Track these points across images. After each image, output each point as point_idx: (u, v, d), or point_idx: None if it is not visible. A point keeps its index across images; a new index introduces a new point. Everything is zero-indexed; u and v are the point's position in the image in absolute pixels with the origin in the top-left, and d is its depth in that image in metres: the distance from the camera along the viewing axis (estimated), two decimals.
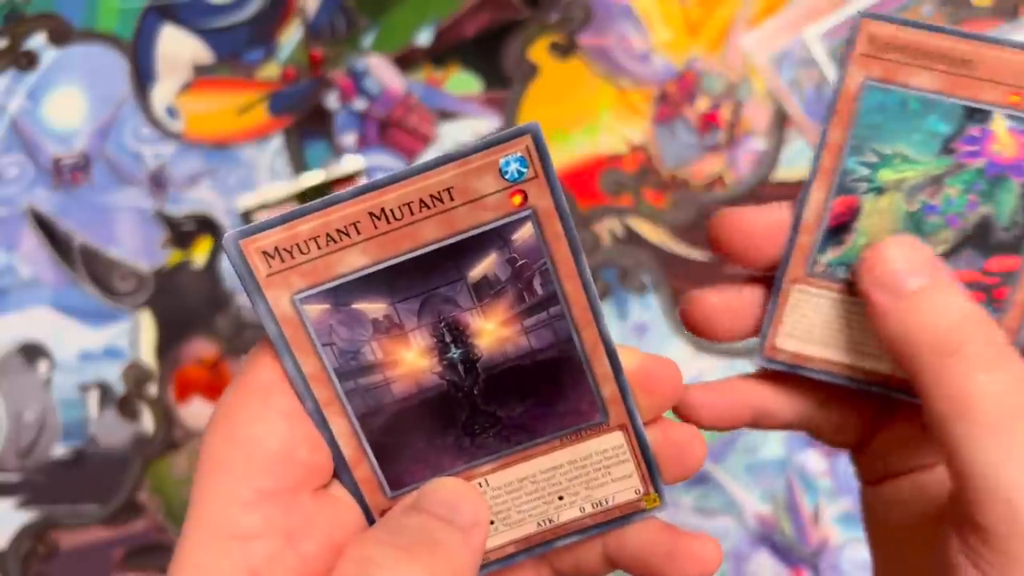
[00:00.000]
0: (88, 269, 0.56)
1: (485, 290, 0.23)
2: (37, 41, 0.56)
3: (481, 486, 0.25)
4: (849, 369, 0.28)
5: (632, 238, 0.56)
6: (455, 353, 0.23)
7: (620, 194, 0.56)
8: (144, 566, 0.55)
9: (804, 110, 0.57)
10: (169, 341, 0.55)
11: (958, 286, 0.25)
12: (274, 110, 0.57)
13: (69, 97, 0.56)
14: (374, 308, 0.23)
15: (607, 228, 0.56)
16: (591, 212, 0.56)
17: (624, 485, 0.25)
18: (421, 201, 0.22)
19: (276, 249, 0.22)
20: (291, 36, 0.57)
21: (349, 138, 0.57)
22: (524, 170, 0.22)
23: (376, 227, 0.22)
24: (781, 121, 0.57)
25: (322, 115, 0.57)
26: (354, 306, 0.23)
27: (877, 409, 0.29)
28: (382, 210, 0.22)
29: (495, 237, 0.22)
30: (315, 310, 0.22)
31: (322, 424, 0.23)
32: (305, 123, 0.57)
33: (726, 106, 0.57)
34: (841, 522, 0.54)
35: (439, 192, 0.22)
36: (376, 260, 0.22)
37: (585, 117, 0.57)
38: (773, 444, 0.55)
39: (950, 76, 0.26)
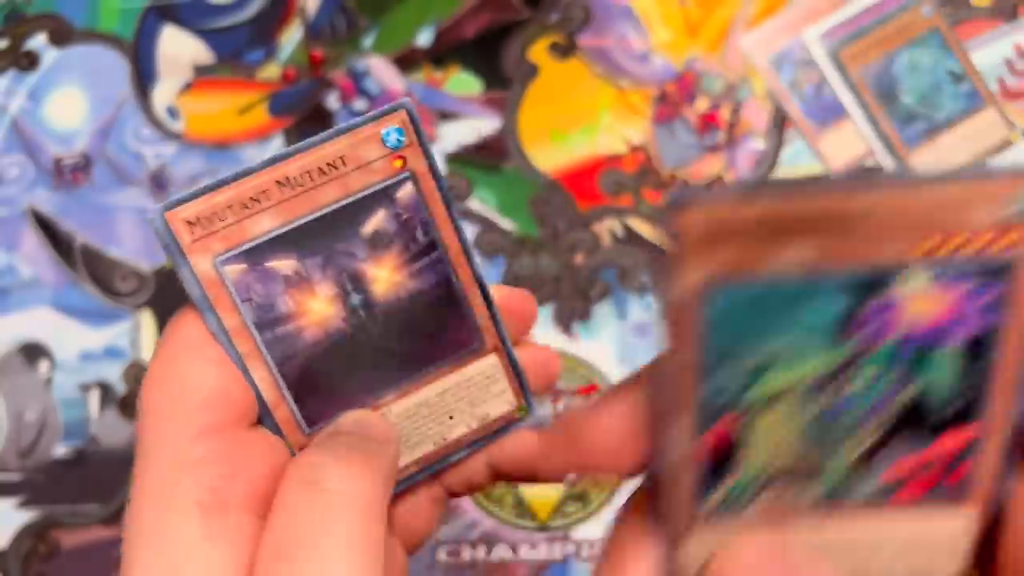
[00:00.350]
0: (89, 269, 0.56)
1: (377, 243, 0.27)
2: (38, 41, 0.57)
3: (385, 416, 0.28)
4: None
5: (632, 238, 0.56)
6: (355, 300, 0.27)
7: (620, 194, 0.56)
8: None
9: (803, 110, 0.57)
10: None
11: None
12: (274, 110, 0.57)
13: (70, 97, 0.56)
14: (284, 265, 0.26)
15: (607, 228, 0.56)
16: (591, 212, 0.56)
17: (501, 400, 0.29)
18: (319, 169, 0.25)
19: (197, 218, 0.25)
20: (291, 36, 0.57)
21: None
22: (402, 139, 0.26)
23: (282, 194, 0.25)
24: (780, 121, 0.57)
25: (322, 115, 0.57)
26: (267, 265, 0.26)
27: None
28: (287, 178, 0.25)
29: (382, 197, 0.26)
30: (234, 270, 0.25)
31: (245, 373, 0.26)
32: (305, 123, 0.57)
33: (726, 106, 0.57)
34: None
35: (334, 160, 0.25)
36: (284, 222, 0.25)
37: (585, 117, 0.57)
38: None
39: (827, 242, 0.19)
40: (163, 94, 0.57)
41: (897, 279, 0.20)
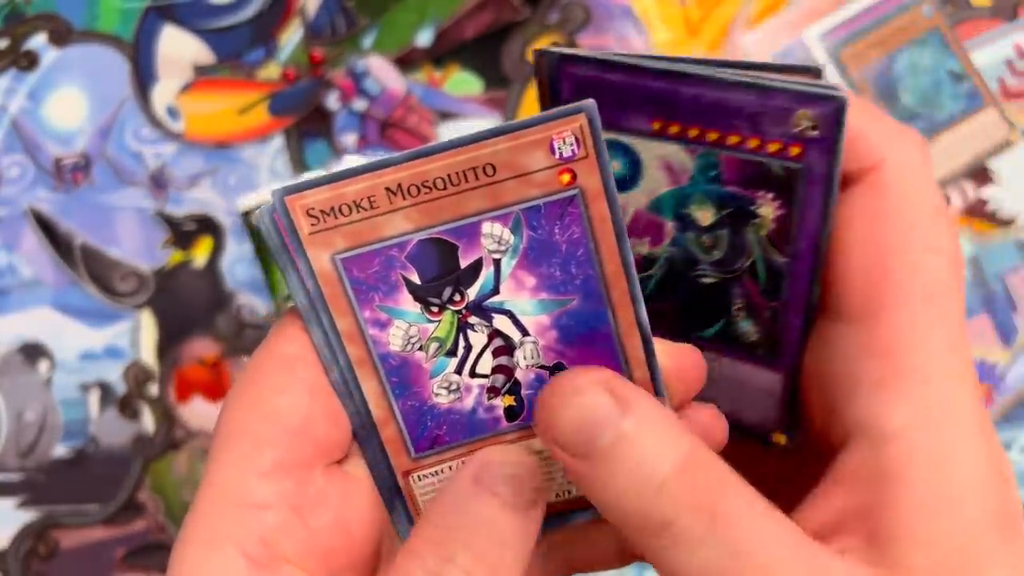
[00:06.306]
0: (89, 269, 0.56)
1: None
2: (38, 41, 0.57)
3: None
4: None
5: None
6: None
7: None
8: (144, 566, 0.55)
9: None
10: (169, 341, 0.56)
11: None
12: (274, 110, 0.57)
13: (70, 97, 0.56)
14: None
15: None
16: None
17: None
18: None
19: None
20: (291, 36, 0.57)
21: (349, 138, 0.57)
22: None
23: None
24: None
25: (322, 115, 0.57)
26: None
27: None
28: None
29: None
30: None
31: (353, 383, 0.23)
32: (305, 123, 0.57)
33: None
34: None
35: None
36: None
37: None
38: None
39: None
40: (163, 94, 0.57)
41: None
